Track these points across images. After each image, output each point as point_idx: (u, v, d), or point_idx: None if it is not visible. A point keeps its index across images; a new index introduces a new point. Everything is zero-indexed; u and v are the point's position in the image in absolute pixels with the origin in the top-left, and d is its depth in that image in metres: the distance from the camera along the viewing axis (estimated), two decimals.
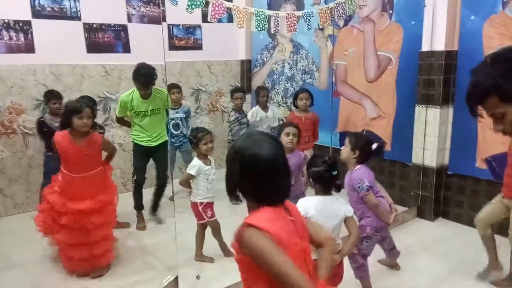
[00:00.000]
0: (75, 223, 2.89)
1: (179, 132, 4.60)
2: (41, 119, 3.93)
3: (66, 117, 2.87)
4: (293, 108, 4.42)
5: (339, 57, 4.64)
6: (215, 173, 3.15)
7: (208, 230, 3.22)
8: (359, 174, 2.61)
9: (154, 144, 3.86)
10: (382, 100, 4.30)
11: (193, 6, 2.38)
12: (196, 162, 3.08)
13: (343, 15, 3.12)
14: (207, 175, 3.08)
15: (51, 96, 3.97)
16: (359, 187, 2.58)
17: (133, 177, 3.92)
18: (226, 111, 5.84)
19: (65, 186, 2.94)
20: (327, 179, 2.25)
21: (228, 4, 2.55)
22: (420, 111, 3.92)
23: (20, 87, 4.17)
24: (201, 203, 3.10)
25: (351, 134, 2.84)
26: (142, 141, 3.84)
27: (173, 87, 4.54)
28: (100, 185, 3.04)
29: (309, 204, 2.22)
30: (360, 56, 4.45)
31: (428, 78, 3.80)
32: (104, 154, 3.23)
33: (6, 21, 4.07)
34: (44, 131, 3.84)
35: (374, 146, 2.65)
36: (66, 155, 2.89)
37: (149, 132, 3.83)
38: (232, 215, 3.74)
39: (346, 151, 2.68)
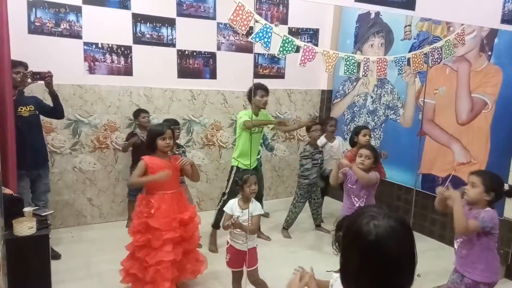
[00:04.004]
0: (178, 236, 2.99)
1: (259, 157, 4.70)
2: (133, 132, 4.39)
3: (151, 139, 3.03)
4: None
5: (428, 95, 4.42)
6: (245, 221, 2.85)
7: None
8: (494, 214, 2.40)
9: (252, 166, 3.99)
10: (473, 145, 4.00)
11: (284, 52, 2.43)
12: (231, 201, 2.96)
13: (438, 61, 2.96)
14: (235, 217, 2.83)
15: (140, 111, 4.40)
16: (484, 221, 2.35)
17: (223, 196, 4.04)
18: (303, 140, 5.83)
19: (158, 206, 2.99)
20: None
21: (318, 49, 2.55)
22: None
23: (117, 107, 4.54)
24: (227, 243, 2.94)
25: (482, 173, 2.52)
26: (244, 165, 3.99)
27: None
28: (183, 203, 3.19)
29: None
30: (451, 96, 4.20)
31: None
32: None
33: (110, 45, 4.46)
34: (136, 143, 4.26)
35: (506, 186, 2.41)
36: (155, 171, 2.99)
37: (252, 152, 3.98)
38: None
39: (478, 193, 2.41)
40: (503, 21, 3.11)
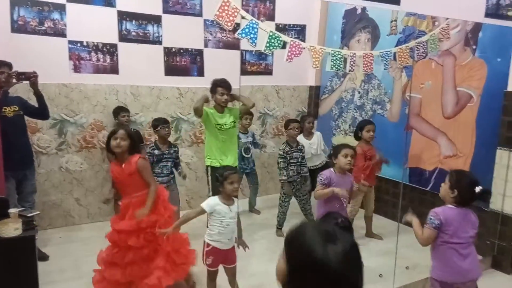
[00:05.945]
0: (118, 243, 2.89)
1: (249, 155, 4.69)
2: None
3: (107, 140, 2.91)
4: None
5: (414, 89, 4.46)
6: (233, 218, 2.81)
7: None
8: (439, 209, 2.39)
9: (234, 165, 3.87)
10: (459, 138, 4.05)
11: (271, 47, 2.42)
12: (212, 198, 2.85)
13: (424, 55, 3.00)
14: (221, 215, 2.75)
15: (120, 110, 4.35)
16: (430, 218, 2.38)
17: None
18: None
19: (121, 209, 2.97)
20: None
21: (305, 45, 2.56)
22: (502, 154, 3.64)
23: (103, 106, 4.49)
24: (208, 245, 2.79)
25: (454, 170, 2.52)
26: (219, 163, 3.84)
27: (247, 113, 4.56)
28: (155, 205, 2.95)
29: None
30: (437, 90, 4.25)
31: None
32: None
33: (96, 43, 4.41)
34: None
35: (478, 189, 2.33)
36: (113, 177, 2.98)
37: (224, 150, 3.88)
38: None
39: (444, 188, 2.44)
40: (487, 15, 3.14)
